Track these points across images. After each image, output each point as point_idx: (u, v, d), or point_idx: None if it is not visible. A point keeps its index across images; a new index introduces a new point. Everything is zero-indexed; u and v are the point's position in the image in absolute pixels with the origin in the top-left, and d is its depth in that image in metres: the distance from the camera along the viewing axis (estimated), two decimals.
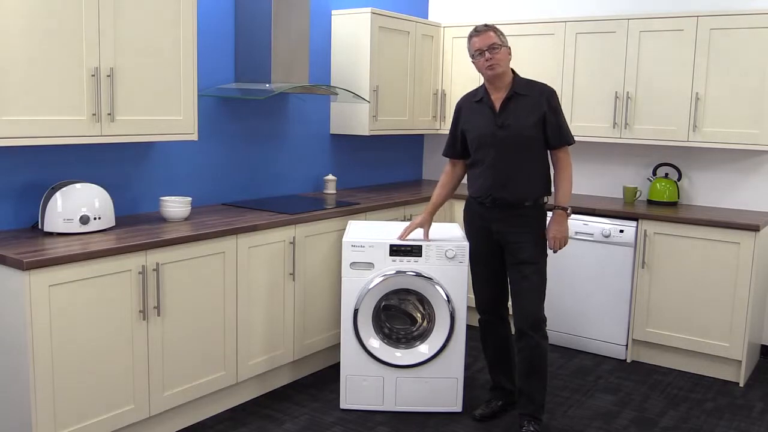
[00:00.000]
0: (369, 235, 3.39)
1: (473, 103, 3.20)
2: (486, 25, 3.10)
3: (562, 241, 3.13)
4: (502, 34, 3.09)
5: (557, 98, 3.13)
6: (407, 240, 3.33)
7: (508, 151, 3.08)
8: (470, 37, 3.10)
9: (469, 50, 3.11)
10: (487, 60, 3.04)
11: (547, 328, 3.18)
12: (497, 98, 3.12)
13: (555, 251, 3.16)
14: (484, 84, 3.18)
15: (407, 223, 3.40)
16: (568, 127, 3.14)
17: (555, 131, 3.09)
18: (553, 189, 3.15)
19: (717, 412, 3.55)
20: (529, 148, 3.08)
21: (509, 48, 3.11)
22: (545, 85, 3.14)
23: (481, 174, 3.16)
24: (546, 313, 4.42)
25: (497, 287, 3.29)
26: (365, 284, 3.33)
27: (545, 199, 3.18)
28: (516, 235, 3.11)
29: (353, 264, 3.32)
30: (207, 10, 3.72)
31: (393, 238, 3.36)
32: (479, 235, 3.24)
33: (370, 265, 3.32)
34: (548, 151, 3.15)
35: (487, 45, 3.04)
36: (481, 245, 3.24)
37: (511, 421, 3.35)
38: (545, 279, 3.15)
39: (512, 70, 3.15)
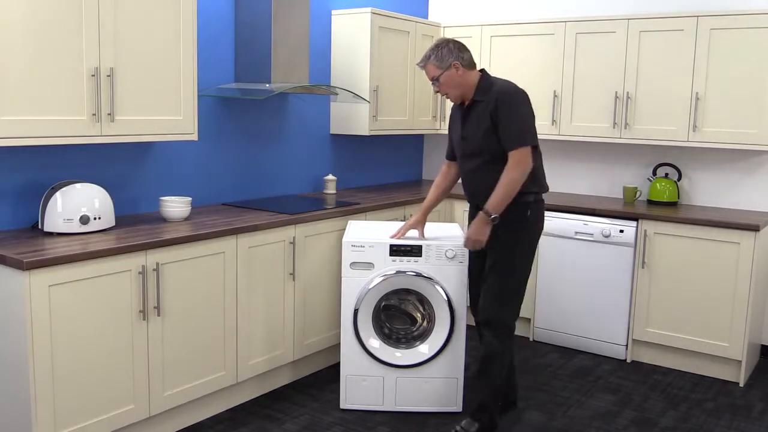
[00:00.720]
0: (369, 235, 3.39)
1: (455, 110, 3.23)
2: (424, 58, 3.09)
3: (475, 244, 3.04)
4: (443, 56, 3.02)
5: (510, 98, 2.94)
6: (407, 240, 3.33)
7: (473, 160, 3.08)
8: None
9: None
10: (436, 91, 3.13)
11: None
12: (465, 105, 3.13)
13: (466, 247, 3.08)
14: None
15: (403, 224, 3.42)
16: (520, 128, 2.93)
17: (502, 135, 2.95)
18: (534, 189, 3.04)
19: (717, 412, 3.55)
20: (491, 156, 3.01)
21: (454, 64, 3.02)
22: (502, 85, 2.99)
23: (461, 179, 3.25)
24: (546, 312, 4.44)
25: (476, 285, 3.30)
26: (365, 284, 3.33)
27: (524, 200, 3.04)
28: (496, 235, 3.10)
29: (353, 264, 3.32)
30: (207, 10, 3.72)
31: (392, 238, 3.36)
32: None
33: (370, 265, 3.32)
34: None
35: (430, 78, 3.11)
36: None
37: (510, 423, 3.34)
38: (511, 281, 3.04)
39: (483, 72, 3.09)
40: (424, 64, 3.11)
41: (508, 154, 2.95)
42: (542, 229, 3.16)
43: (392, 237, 3.35)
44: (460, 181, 4.23)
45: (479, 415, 3.10)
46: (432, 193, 3.38)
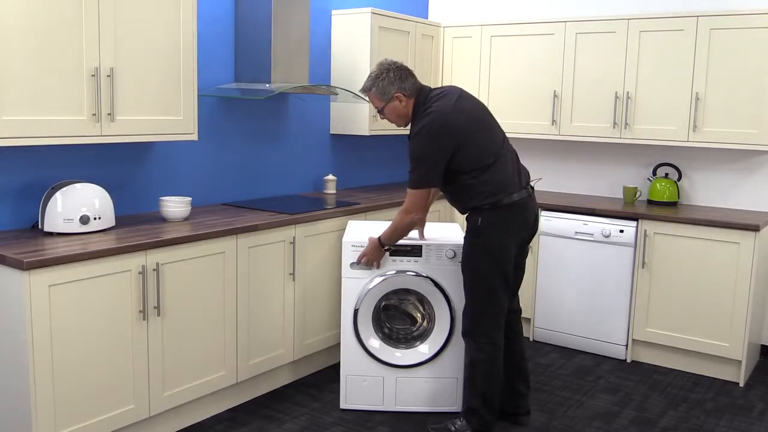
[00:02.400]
0: (369, 236, 3.38)
1: None
2: (365, 88, 3.09)
3: (369, 261, 3.26)
4: (384, 87, 3.01)
5: (418, 138, 2.94)
6: (407, 240, 3.33)
7: None
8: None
9: None
10: (382, 118, 3.18)
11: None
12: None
13: (357, 261, 3.28)
14: None
15: None
16: (414, 169, 2.97)
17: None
18: (488, 200, 2.98)
19: (717, 412, 3.55)
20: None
21: (396, 96, 3.02)
22: (420, 120, 2.98)
23: None
24: (546, 312, 4.44)
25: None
26: (365, 284, 3.33)
27: (480, 205, 3.00)
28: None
29: (353, 264, 3.32)
30: (207, 10, 3.72)
31: None
32: None
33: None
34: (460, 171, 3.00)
35: (375, 109, 3.16)
36: None
37: (510, 423, 3.34)
38: (479, 293, 3.03)
39: (421, 93, 3.05)
40: (366, 93, 3.12)
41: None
42: (516, 233, 3.05)
43: None
44: None
45: (469, 417, 3.13)
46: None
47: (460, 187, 3.04)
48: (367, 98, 3.21)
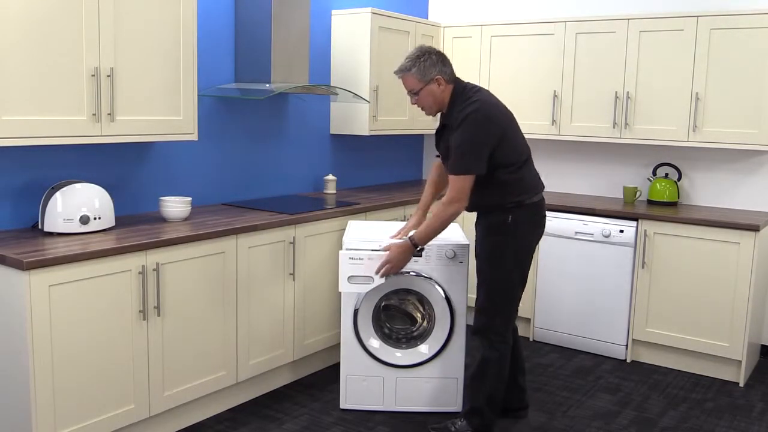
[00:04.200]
0: (369, 237, 3.37)
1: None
2: (403, 68, 2.98)
3: (390, 269, 3.03)
4: (425, 69, 2.93)
5: (466, 123, 2.87)
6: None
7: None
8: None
9: None
10: (413, 103, 3.05)
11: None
12: (437, 127, 3.13)
13: (378, 272, 3.05)
14: None
15: (404, 224, 3.41)
16: (462, 155, 2.87)
17: (451, 158, 2.94)
18: (519, 198, 2.98)
19: (717, 412, 3.55)
20: None
21: (436, 79, 2.95)
22: (466, 107, 2.91)
23: None
24: (546, 312, 4.44)
25: None
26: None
27: (509, 204, 2.99)
28: (478, 243, 3.11)
29: (351, 278, 3.19)
30: (207, 10, 3.72)
31: (392, 240, 3.36)
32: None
33: (369, 279, 3.18)
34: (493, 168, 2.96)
35: (408, 90, 3.02)
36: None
37: (509, 422, 3.34)
38: (497, 288, 3.01)
39: (458, 84, 3.01)
40: (402, 74, 3.00)
41: (449, 178, 2.93)
42: (535, 232, 3.07)
43: (392, 237, 3.35)
44: None
45: (471, 417, 3.11)
46: (428, 190, 3.39)
47: (495, 182, 2.97)
48: (402, 77, 3.02)
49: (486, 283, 3.04)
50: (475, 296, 4.52)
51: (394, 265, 3.06)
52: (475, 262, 3.26)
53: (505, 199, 2.99)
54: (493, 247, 3.02)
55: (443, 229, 2.98)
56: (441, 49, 5.01)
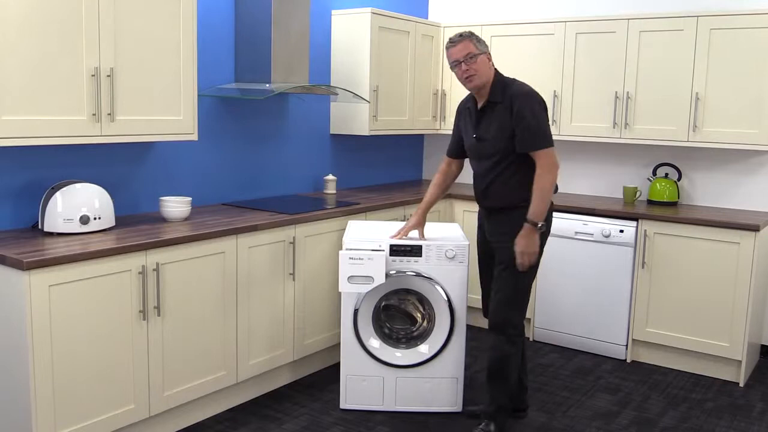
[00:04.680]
0: (369, 237, 3.37)
1: (466, 108, 3.19)
2: (461, 35, 2.99)
3: (529, 256, 2.99)
4: (480, 41, 2.98)
5: (528, 100, 2.93)
6: (407, 240, 3.33)
7: (486, 161, 3.06)
8: (447, 47, 3.02)
9: (448, 60, 3.05)
10: (464, 71, 2.98)
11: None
12: (479, 107, 3.08)
13: (522, 267, 3.00)
14: None
15: (404, 224, 3.41)
16: (540, 130, 2.92)
17: (521, 137, 2.93)
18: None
19: (717, 412, 3.55)
20: (505, 157, 3.00)
21: (489, 54, 3.00)
22: (520, 86, 2.98)
23: (473, 181, 3.22)
24: (546, 312, 4.44)
25: (487, 289, 3.29)
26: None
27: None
28: (498, 236, 3.10)
29: (351, 278, 3.23)
30: (207, 10, 3.72)
31: (392, 240, 3.36)
32: (478, 236, 3.32)
33: (369, 279, 3.23)
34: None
35: (464, 55, 2.96)
36: (480, 247, 3.30)
37: (511, 419, 3.34)
38: (521, 283, 3.04)
39: (496, 71, 3.05)
40: (460, 40, 2.97)
41: (534, 155, 2.93)
42: (549, 229, 3.14)
43: (392, 237, 3.35)
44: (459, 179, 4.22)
45: (497, 416, 3.13)
46: (431, 191, 3.38)
47: (522, 171, 3.00)
48: (460, 42, 2.99)
49: (511, 278, 3.04)
50: (474, 296, 4.54)
51: (529, 252, 2.98)
52: (477, 261, 3.28)
53: (530, 192, 3.01)
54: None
55: (550, 199, 2.98)
56: (441, 49, 5.02)
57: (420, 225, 3.37)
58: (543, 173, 2.92)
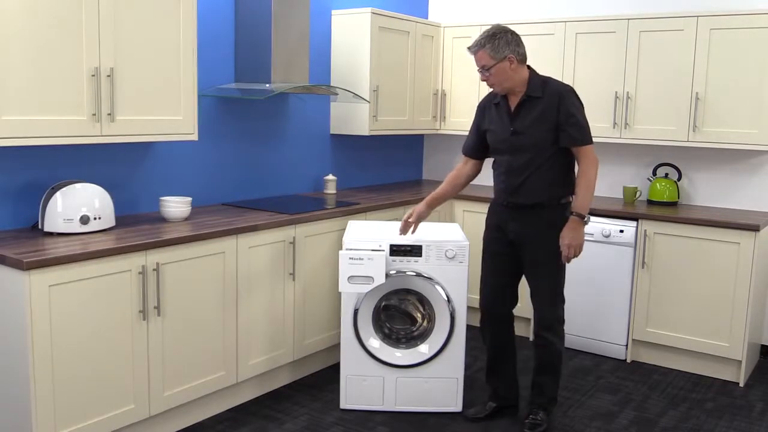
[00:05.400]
0: (368, 238, 3.37)
1: (493, 105, 3.17)
2: (477, 44, 3.00)
3: (576, 249, 3.01)
4: (497, 47, 2.96)
5: (572, 97, 3.01)
6: (407, 240, 3.32)
7: (522, 156, 3.05)
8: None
9: None
10: (484, 79, 3.06)
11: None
12: (513, 102, 3.08)
13: (568, 260, 3.03)
14: None
15: (410, 214, 3.33)
16: (587, 126, 3.02)
17: (570, 132, 2.98)
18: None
19: (717, 412, 3.55)
20: (543, 152, 3.02)
21: (509, 57, 2.98)
22: (560, 84, 3.05)
23: (498, 177, 3.18)
24: None
25: (499, 285, 3.24)
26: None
27: (566, 201, 3.10)
28: (532, 235, 3.10)
29: (351, 278, 3.23)
30: (207, 10, 3.72)
31: (394, 239, 3.35)
32: (493, 231, 3.23)
33: (369, 279, 3.23)
34: (573, 153, 3.07)
35: (480, 66, 3.02)
36: (493, 243, 3.23)
37: (509, 423, 3.34)
38: (559, 280, 3.12)
39: (529, 67, 3.08)
40: (476, 50, 3.01)
41: (581, 150, 3.01)
42: None
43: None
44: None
45: (551, 407, 3.25)
46: (443, 188, 3.33)
47: (566, 167, 3.08)
48: (475, 53, 3.03)
49: (551, 277, 3.10)
50: (474, 296, 4.54)
51: (575, 245, 3.01)
52: (483, 255, 3.26)
53: (567, 189, 3.09)
54: (556, 239, 3.07)
55: (594, 190, 3.14)
56: (441, 49, 5.02)
57: (424, 216, 3.30)
58: (589, 167, 3.01)
